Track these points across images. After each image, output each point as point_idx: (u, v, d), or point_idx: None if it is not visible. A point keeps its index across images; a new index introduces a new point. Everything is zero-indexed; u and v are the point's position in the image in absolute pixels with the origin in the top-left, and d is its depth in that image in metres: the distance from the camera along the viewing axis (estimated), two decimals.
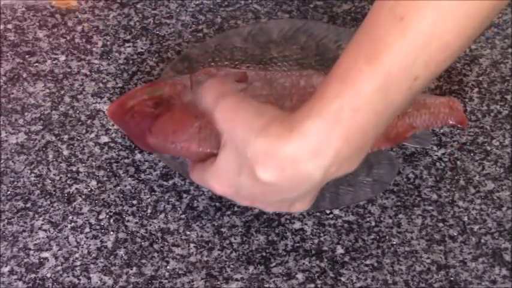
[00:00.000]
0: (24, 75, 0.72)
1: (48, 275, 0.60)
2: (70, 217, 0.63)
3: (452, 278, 0.60)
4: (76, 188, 0.65)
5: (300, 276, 0.60)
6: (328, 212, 0.64)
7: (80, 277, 0.60)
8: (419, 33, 0.49)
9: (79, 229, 0.62)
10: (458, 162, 0.67)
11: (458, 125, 0.67)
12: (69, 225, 0.63)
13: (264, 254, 0.61)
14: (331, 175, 0.54)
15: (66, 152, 0.67)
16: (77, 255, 0.61)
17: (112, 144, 0.67)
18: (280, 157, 0.52)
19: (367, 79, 0.50)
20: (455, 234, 0.63)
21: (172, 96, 0.63)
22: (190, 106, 0.63)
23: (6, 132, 0.68)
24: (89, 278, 0.60)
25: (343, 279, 0.60)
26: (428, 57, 0.50)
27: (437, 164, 0.67)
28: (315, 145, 0.52)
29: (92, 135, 0.68)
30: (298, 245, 0.62)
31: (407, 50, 0.49)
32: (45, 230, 0.62)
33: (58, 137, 0.68)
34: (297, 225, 0.63)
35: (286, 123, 0.53)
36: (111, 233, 0.62)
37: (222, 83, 0.60)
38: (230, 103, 0.57)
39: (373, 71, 0.50)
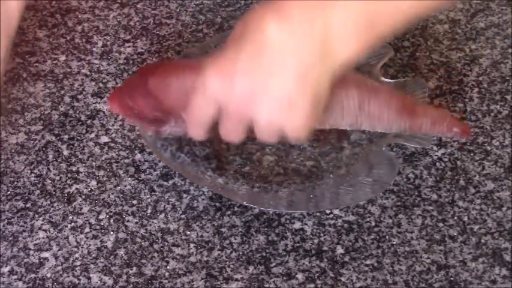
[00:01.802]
0: (24, 75, 0.72)
1: (48, 275, 0.60)
2: (70, 217, 0.63)
3: (452, 278, 0.60)
4: (76, 188, 0.65)
5: (300, 276, 0.60)
6: (328, 212, 0.64)
7: (80, 277, 0.60)
8: None
9: (79, 229, 0.62)
10: (458, 162, 0.67)
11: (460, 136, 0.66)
12: (69, 225, 0.63)
13: (264, 254, 0.61)
14: (329, 50, 0.53)
15: (66, 152, 0.67)
16: (77, 255, 0.61)
17: (112, 144, 0.67)
18: (286, 12, 0.53)
19: None
20: (455, 234, 0.63)
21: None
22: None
23: (6, 132, 0.68)
24: (89, 278, 0.60)
25: (343, 279, 0.60)
26: None
27: (437, 164, 0.67)
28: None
29: (92, 135, 0.68)
30: (298, 245, 0.62)
31: None
32: (45, 230, 0.62)
33: (58, 137, 0.68)
34: (297, 225, 0.63)
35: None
36: (111, 233, 0.62)
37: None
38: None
39: None
